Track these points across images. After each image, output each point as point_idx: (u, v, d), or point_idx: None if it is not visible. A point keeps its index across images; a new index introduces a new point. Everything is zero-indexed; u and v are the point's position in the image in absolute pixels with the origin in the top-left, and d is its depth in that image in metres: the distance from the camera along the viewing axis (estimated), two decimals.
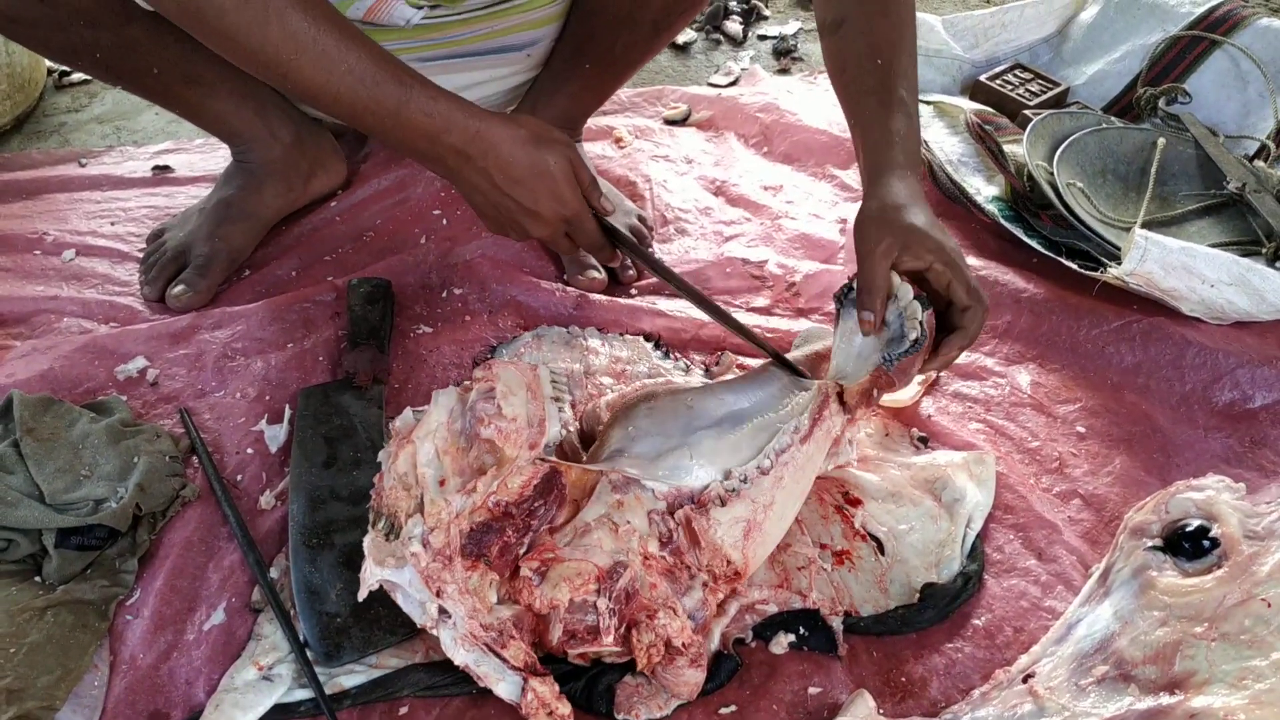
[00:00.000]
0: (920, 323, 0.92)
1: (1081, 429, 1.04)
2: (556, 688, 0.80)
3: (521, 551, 0.82)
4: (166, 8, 0.82)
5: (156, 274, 1.17)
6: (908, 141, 0.98)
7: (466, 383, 0.88)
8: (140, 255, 1.23)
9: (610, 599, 0.80)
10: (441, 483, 0.84)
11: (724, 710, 0.83)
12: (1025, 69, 1.48)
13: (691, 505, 0.86)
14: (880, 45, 0.99)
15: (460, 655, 0.79)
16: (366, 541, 0.81)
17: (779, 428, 0.93)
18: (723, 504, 0.87)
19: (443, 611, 0.79)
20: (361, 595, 0.80)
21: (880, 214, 0.93)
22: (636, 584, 0.81)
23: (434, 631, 0.80)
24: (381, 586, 0.81)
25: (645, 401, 0.94)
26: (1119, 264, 1.11)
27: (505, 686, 0.79)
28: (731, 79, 1.63)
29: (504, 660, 0.79)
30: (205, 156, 1.41)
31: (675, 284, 0.99)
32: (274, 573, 0.91)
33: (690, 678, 0.82)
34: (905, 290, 0.93)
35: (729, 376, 1.03)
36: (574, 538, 0.83)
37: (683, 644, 0.81)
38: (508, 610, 0.80)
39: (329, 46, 0.83)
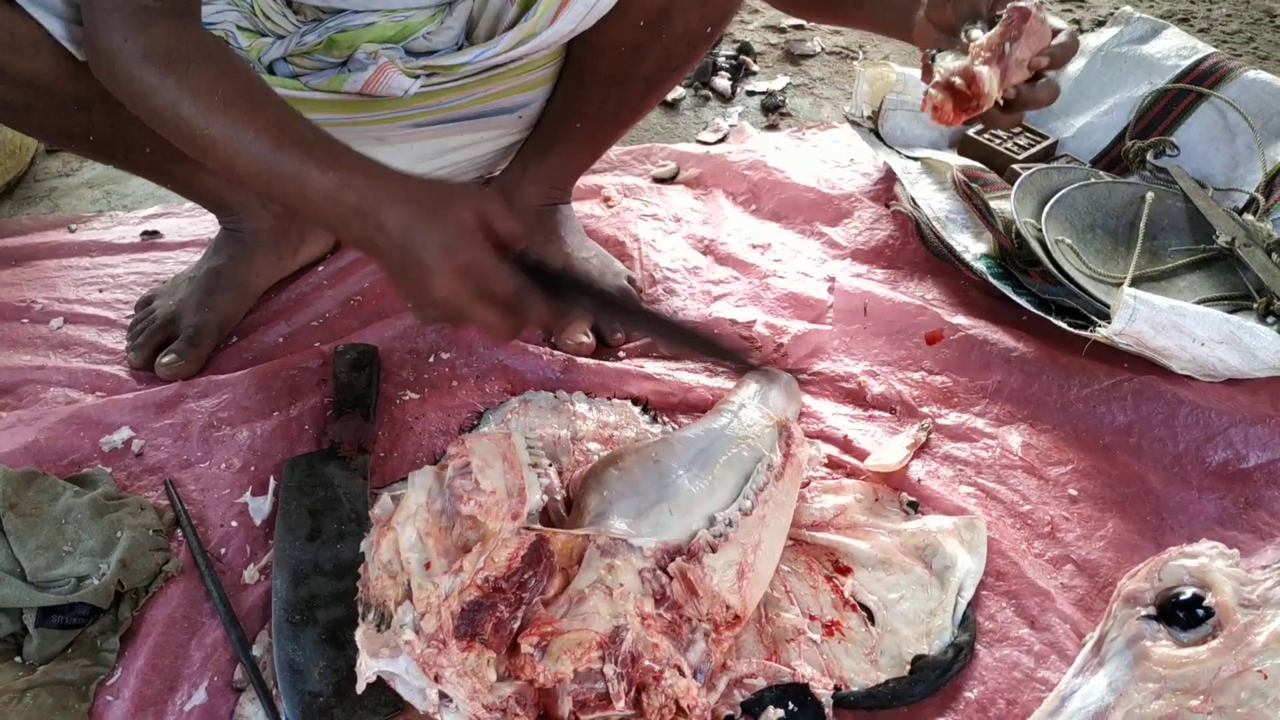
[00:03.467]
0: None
1: (1073, 491, 1.03)
2: None
3: (516, 626, 0.81)
4: (116, 93, 0.89)
5: (144, 341, 1.17)
6: None
7: (442, 461, 0.88)
8: (128, 324, 1.23)
9: (616, 664, 0.79)
10: (427, 566, 0.83)
11: None
12: None
13: (683, 556, 0.86)
14: None
15: None
16: (358, 634, 0.80)
17: (748, 462, 0.96)
18: (713, 550, 0.87)
19: (443, 696, 0.79)
20: (359, 688, 0.80)
21: None
22: (639, 645, 0.80)
23: (438, 718, 0.79)
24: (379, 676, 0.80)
25: (612, 464, 0.95)
26: (1109, 322, 1.11)
27: None
28: (720, 136, 1.63)
29: None
30: (194, 221, 1.42)
31: (641, 323, 1.01)
32: (257, 650, 0.90)
33: None
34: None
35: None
36: (570, 607, 0.83)
37: (689, 706, 0.80)
38: (509, 687, 0.80)
39: (235, 118, 0.84)
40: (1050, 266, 1.20)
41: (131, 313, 1.24)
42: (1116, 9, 1.57)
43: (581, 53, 1.16)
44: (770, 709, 0.85)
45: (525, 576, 0.83)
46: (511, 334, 0.86)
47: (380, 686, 0.82)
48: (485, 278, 0.82)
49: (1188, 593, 0.86)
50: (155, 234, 1.40)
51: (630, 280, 1.26)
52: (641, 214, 1.41)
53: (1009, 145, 1.43)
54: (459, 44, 1.09)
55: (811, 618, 0.93)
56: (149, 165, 1.14)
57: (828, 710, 0.85)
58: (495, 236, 0.84)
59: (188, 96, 0.84)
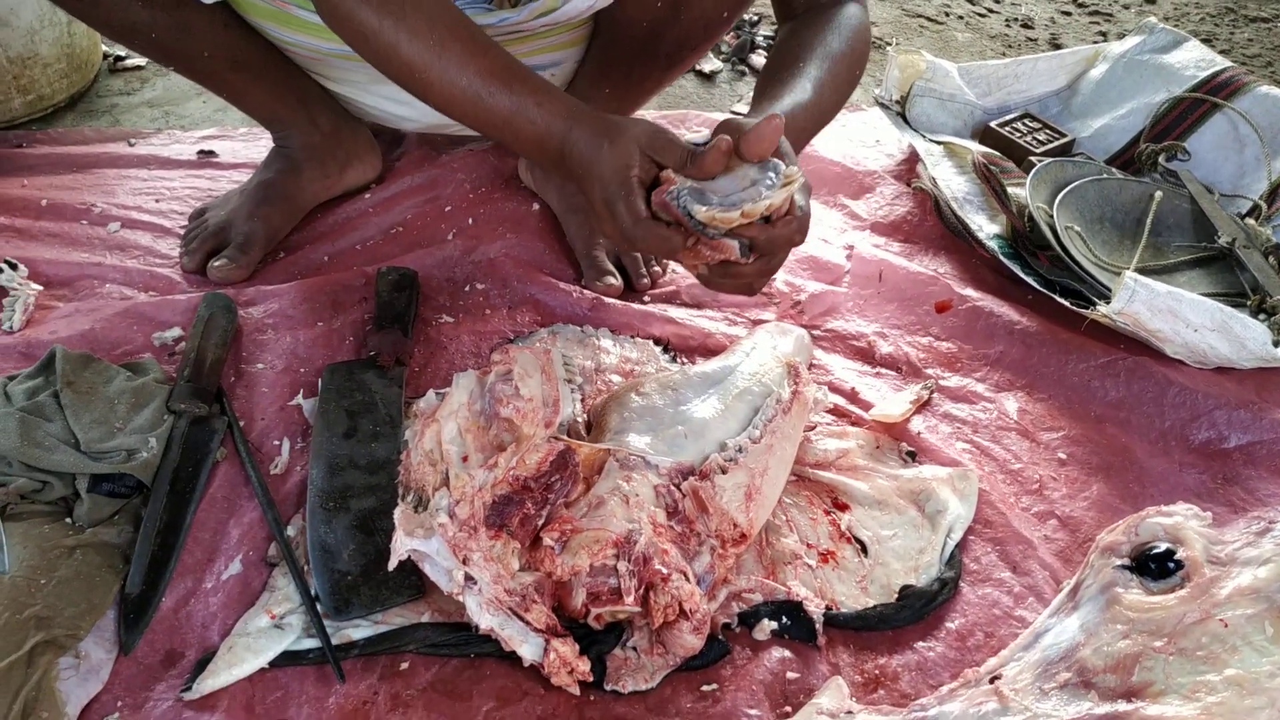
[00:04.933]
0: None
1: (1063, 455, 1.09)
2: (577, 647, 0.85)
3: (540, 523, 0.88)
4: (340, 34, 0.95)
5: (197, 247, 1.24)
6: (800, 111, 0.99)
7: (485, 366, 0.94)
8: (181, 232, 1.29)
9: (630, 562, 0.85)
10: (464, 459, 0.90)
11: (706, 688, 0.88)
12: (1034, 119, 1.54)
13: (696, 476, 0.93)
14: (808, 48, 1.06)
15: (486, 619, 0.84)
16: (396, 514, 0.87)
17: (758, 397, 1.03)
18: (723, 472, 0.94)
19: (468, 578, 0.85)
20: (392, 564, 0.86)
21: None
22: (651, 549, 0.86)
23: (460, 598, 0.85)
24: (410, 556, 0.87)
25: (633, 390, 1.01)
26: (1109, 304, 1.17)
27: (529, 648, 0.85)
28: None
29: (527, 623, 0.85)
30: (248, 144, 1.48)
31: None
32: (291, 531, 0.96)
33: (690, 642, 0.87)
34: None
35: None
36: (589, 510, 0.89)
37: (690, 609, 0.86)
38: (529, 576, 0.86)
39: (451, 62, 0.90)
40: (1059, 250, 1.26)
41: (185, 224, 1.30)
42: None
43: (607, 25, 1.23)
44: (765, 621, 0.92)
45: (552, 479, 0.89)
46: (670, 250, 0.90)
47: (404, 570, 0.88)
48: (623, 217, 0.88)
49: (1161, 547, 0.92)
50: (211, 154, 1.46)
51: None
52: None
53: (1029, 139, 1.49)
54: (488, 5, 1.15)
55: (809, 545, 0.99)
56: (205, 71, 1.20)
57: (818, 626, 0.91)
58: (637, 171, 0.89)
59: (405, 39, 0.90)
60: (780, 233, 0.87)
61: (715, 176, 0.86)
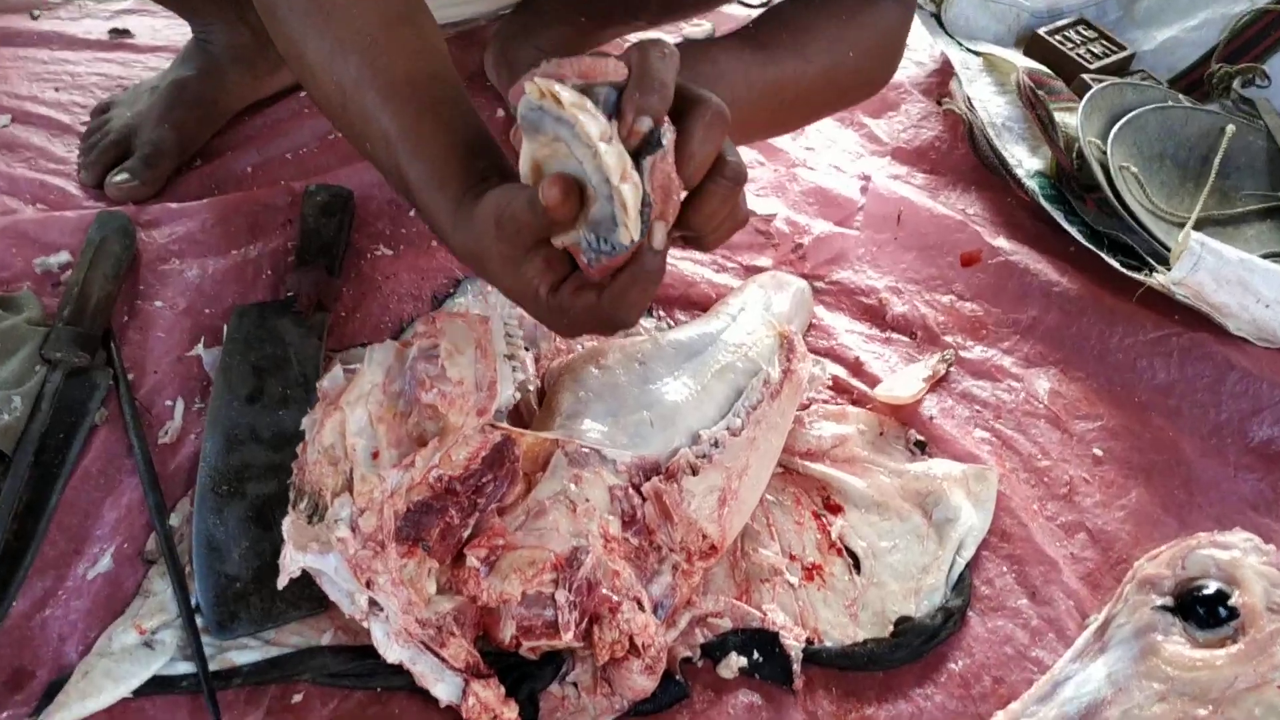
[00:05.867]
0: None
1: (1098, 451, 0.93)
2: (502, 691, 0.72)
3: (466, 534, 0.72)
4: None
5: (97, 157, 1.05)
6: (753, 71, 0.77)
7: (406, 336, 0.77)
8: (83, 129, 1.10)
9: (570, 590, 0.71)
10: (375, 455, 0.74)
11: None
12: (1090, 26, 1.33)
13: (660, 476, 0.77)
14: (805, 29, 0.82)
15: (394, 653, 0.70)
16: (286, 524, 0.71)
17: (742, 375, 0.86)
18: (694, 473, 0.78)
19: (374, 603, 0.70)
20: (281, 582, 0.71)
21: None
22: (598, 572, 0.71)
23: (364, 624, 0.71)
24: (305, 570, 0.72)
25: (593, 361, 0.85)
26: (1166, 267, 0.99)
27: (444, 688, 0.71)
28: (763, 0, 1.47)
29: (443, 659, 0.71)
30: (170, 24, 1.27)
31: None
32: (175, 520, 0.81)
33: (640, 684, 0.73)
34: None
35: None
36: (527, 519, 0.74)
37: (643, 644, 0.72)
38: (448, 603, 0.71)
39: (367, 107, 0.69)
40: (1110, 195, 1.08)
41: (88, 119, 1.11)
42: None
43: None
44: (733, 655, 0.77)
45: (483, 480, 0.73)
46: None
47: (305, 579, 0.73)
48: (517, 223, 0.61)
49: (1211, 587, 0.77)
50: (125, 32, 1.25)
51: None
52: None
53: (1081, 52, 1.28)
54: None
55: (792, 557, 0.84)
56: None
57: (795, 665, 0.77)
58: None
59: (338, 62, 0.69)
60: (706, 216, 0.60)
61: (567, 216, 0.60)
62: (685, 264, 1.04)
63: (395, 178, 0.70)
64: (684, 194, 0.60)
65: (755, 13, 1.39)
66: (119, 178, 1.03)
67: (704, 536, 0.77)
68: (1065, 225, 1.07)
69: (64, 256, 0.97)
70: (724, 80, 0.76)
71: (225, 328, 0.91)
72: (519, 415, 0.85)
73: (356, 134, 0.72)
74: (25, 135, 1.10)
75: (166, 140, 1.05)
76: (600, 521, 0.75)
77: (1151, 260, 1.03)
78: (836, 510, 0.87)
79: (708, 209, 0.60)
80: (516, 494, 0.76)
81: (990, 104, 1.18)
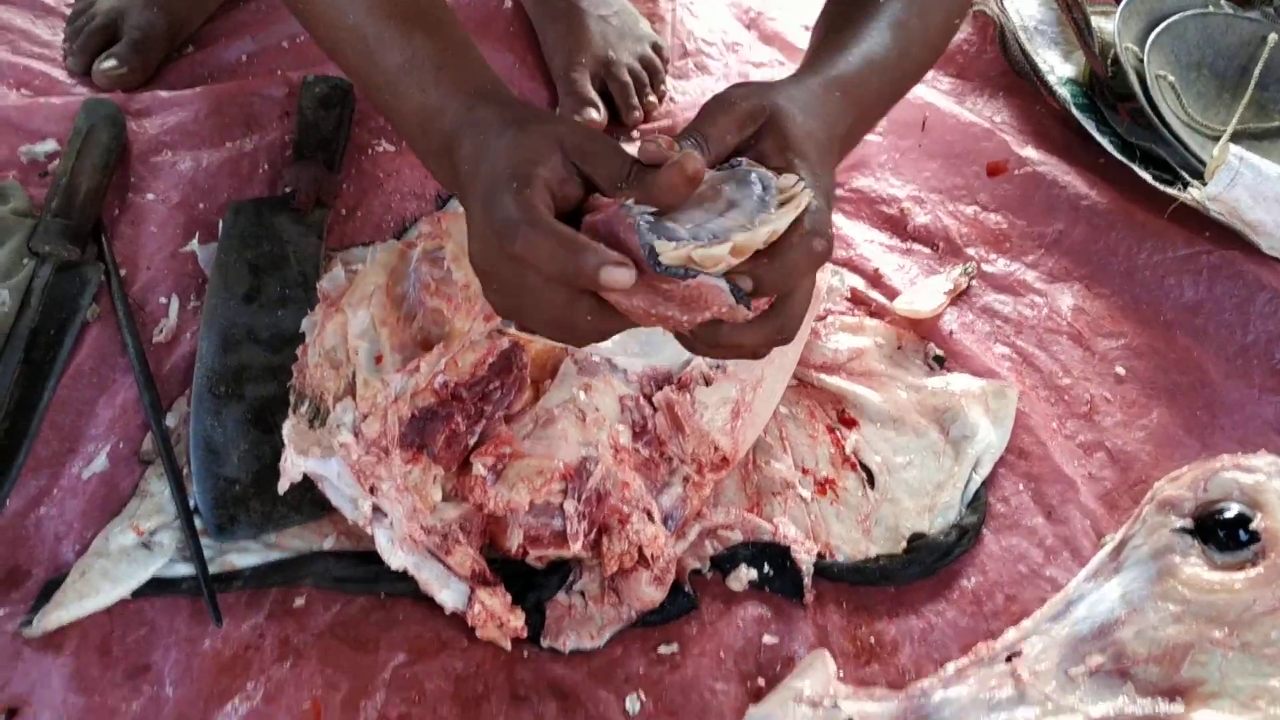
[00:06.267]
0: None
1: (1121, 370, 0.91)
2: (509, 598, 0.70)
3: (472, 441, 0.71)
4: None
5: (83, 42, 1.00)
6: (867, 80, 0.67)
7: (410, 237, 0.74)
8: (68, 11, 1.05)
9: (579, 501, 0.69)
10: (378, 360, 0.72)
11: (664, 649, 0.72)
12: None
13: (672, 386, 0.75)
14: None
15: (398, 559, 0.69)
16: (287, 428, 0.69)
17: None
18: (707, 384, 0.76)
19: (378, 509, 0.68)
20: (283, 487, 0.69)
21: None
22: (608, 482, 0.70)
23: (368, 530, 0.69)
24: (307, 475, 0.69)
25: None
26: (1201, 182, 0.95)
27: (449, 595, 0.70)
28: None
29: (448, 567, 0.69)
30: None
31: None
32: (171, 420, 0.79)
33: (649, 594, 0.72)
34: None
35: None
36: (535, 428, 0.73)
37: (652, 555, 0.70)
38: (454, 509, 0.70)
39: None
40: (1145, 105, 1.03)
41: (73, 1, 1.06)
42: None
43: None
44: (743, 567, 0.76)
45: (490, 387, 0.71)
46: (564, 335, 0.58)
47: (306, 483, 0.71)
48: (528, 248, 0.52)
49: (1233, 510, 0.74)
50: None
51: (656, 47, 1.08)
52: None
53: None
54: None
55: (805, 471, 0.82)
56: None
57: (806, 579, 0.75)
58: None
59: None
60: (795, 257, 0.53)
61: (675, 205, 0.54)
62: None
63: (367, 70, 0.64)
64: None
65: None
66: (106, 64, 0.98)
67: (716, 448, 0.75)
68: (1097, 136, 1.03)
69: (50, 145, 0.93)
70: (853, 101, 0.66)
71: (220, 223, 0.88)
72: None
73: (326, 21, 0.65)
74: (7, 17, 1.05)
75: (156, 25, 1.00)
76: (610, 431, 0.73)
77: (1185, 174, 0.99)
78: (851, 424, 0.85)
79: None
80: (524, 402, 0.74)
81: (1023, 4, 1.13)
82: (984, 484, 0.82)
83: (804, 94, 0.61)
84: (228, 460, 0.76)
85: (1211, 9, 1.14)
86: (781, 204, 0.54)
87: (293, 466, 0.69)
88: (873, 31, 0.67)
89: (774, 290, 0.54)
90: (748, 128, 0.58)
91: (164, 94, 0.97)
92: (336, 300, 0.72)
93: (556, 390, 0.74)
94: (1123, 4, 1.08)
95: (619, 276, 0.50)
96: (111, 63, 0.98)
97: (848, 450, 0.83)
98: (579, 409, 0.73)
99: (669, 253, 0.51)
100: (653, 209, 0.54)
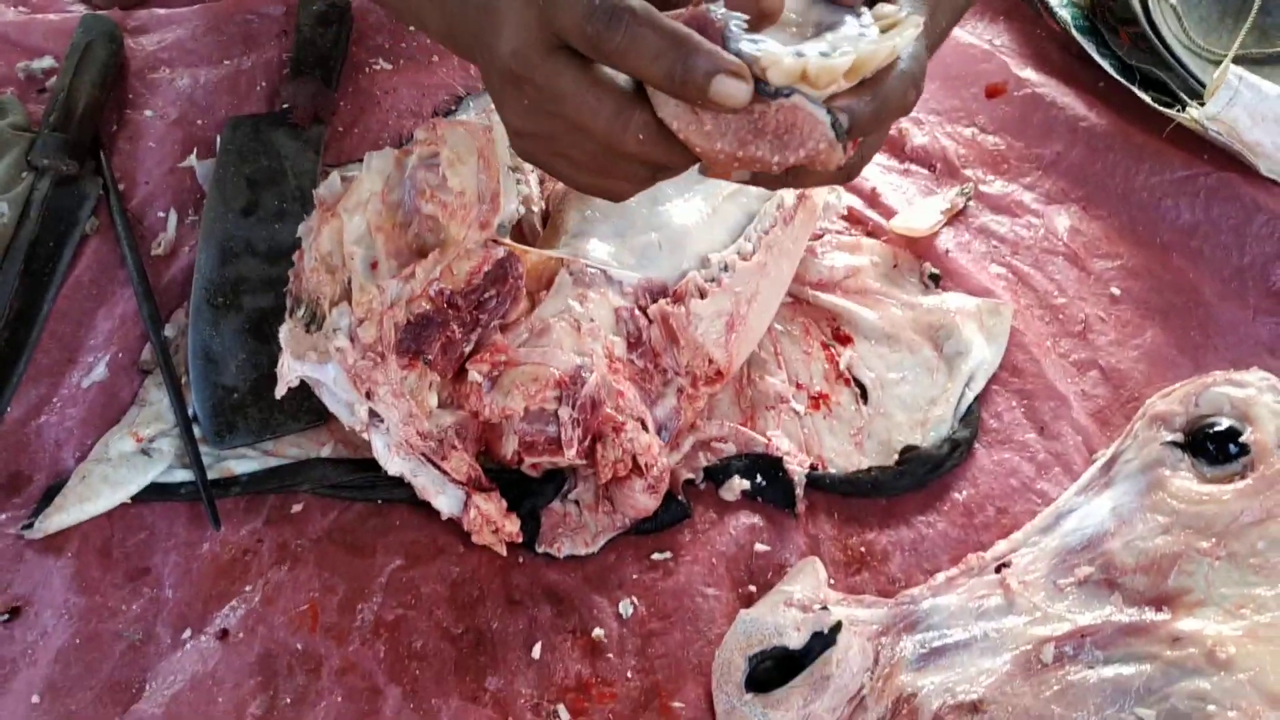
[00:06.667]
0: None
1: (1116, 290, 0.91)
2: (504, 504, 0.71)
3: (467, 349, 0.71)
4: None
5: None
6: None
7: (407, 145, 0.74)
8: None
9: (573, 408, 0.69)
10: (373, 266, 0.72)
11: (656, 556, 0.73)
12: None
13: (667, 299, 0.75)
14: None
15: (395, 464, 0.70)
16: (283, 331, 0.70)
17: (755, 199, 0.82)
18: (702, 296, 0.76)
19: (374, 414, 0.69)
20: (279, 391, 0.70)
21: None
22: (602, 391, 0.70)
23: (364, 435, 0.70)
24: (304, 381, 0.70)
25: None
26: (1200, 103, 0.95)
27: (445, 500, 0.71)
28: None
29: (444, 473, 0.70)
30: None
31: None
32: (170, 331, 0.79)
33: (642, 502, 0.73)
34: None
35: None
36: (530, 337, 0.72)
37: (646, 464, 0.71)
38: (450, 416, 0.70)
39: None
40: (1146, 28, 1.02)
41: None
42: None
43: None
44: (736, 478, 0.77)
45: (485, 295, 0.71)
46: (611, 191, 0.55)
47: (304, 391, 0.72)
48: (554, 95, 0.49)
49: (1224, 424, 0.75)
50: None
51: None
52: None
53: None
54: None
55: (798, 386, 0.82)
56: None
57: (799, 489, 0.76)
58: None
59: None
60: (894, 95, 0.49)
61: (772, 17, 0.50)
62: None
63: None
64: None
65: None
66: None
67: (710, 361, 0.76)
68: (1097, 58, 1.02)
69: (48, 61, 0.92)
70: None
71: (218, 139, 0.88)
72: (521, 235, 0.82)
73: None
74: None
75: None
76: (605, 342, 0.73)
77: (1185, 96, 0.99)
78: (846, 341, 0.85)
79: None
80: (520, 311, 0.74)
81: None
82: (977, 399, 0.82)
83: None
84: (225, 369, 0.76)
85: None
86: (884, 31, 0.49)
87: (289, 371, 0.69)
88: None
89: (867, 131, 0.48)
90: None
91: (161, 11, 0.97)
92: (333, 206, 0.72)
93: (552, 300, 0.74)
94: None
95: (733, 89, 0.45)
96: None
97: (842, 366, 0.83)
98: (574, 319, 0.73)
99: (780, 63, 0.45)
100: (743, 16, 0.48)
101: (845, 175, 0.53)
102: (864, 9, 0.51)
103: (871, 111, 0.48)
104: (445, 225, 0.72)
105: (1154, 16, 1.03)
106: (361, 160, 0.88)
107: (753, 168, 0.49)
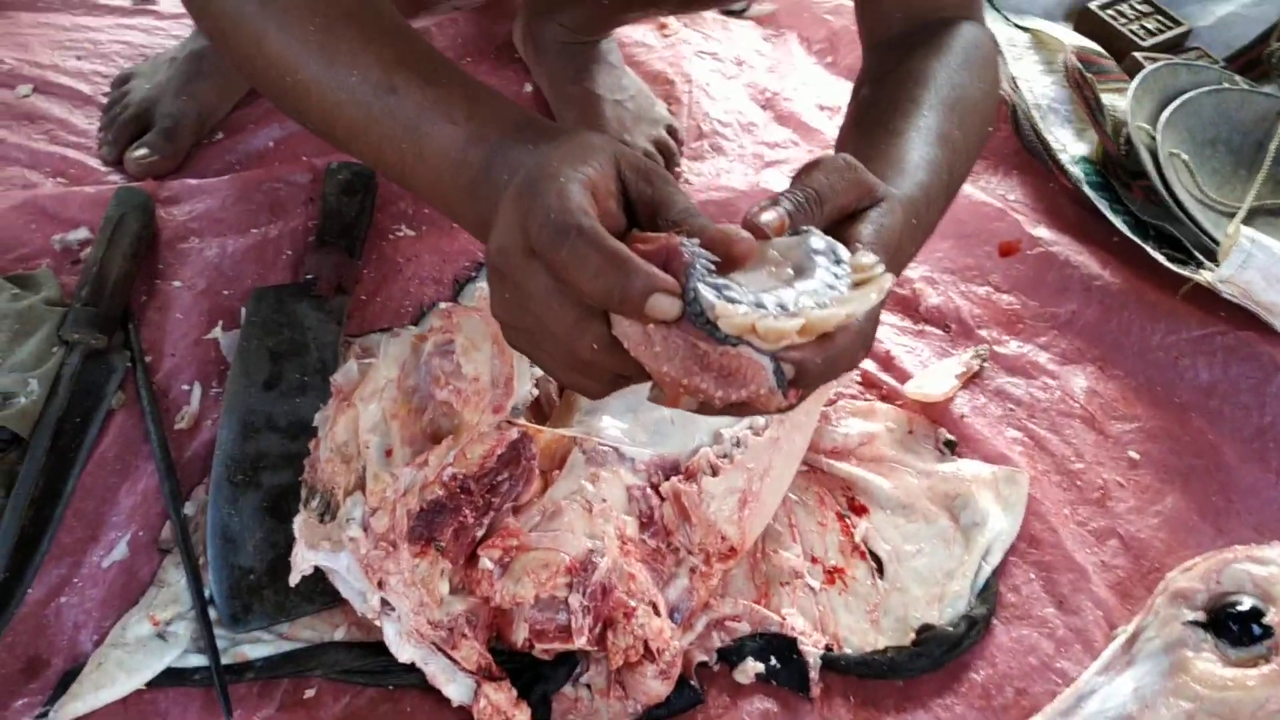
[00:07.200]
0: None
1: (1135, 454, 0.90)
2: (514, 693, 0.71)
3: (480, 534, 0.71)
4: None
5: (118, 132, 1.03)
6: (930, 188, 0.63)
7: (423, 329, 0.76)
8: (104, 100, 1.09)
9: (584, 595, 0.69)
10: (388, 453, 0.73)
11: None
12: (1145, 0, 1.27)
13: (679, 476, 0.76)
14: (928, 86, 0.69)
15: (406, 652, 0.70)
16: (297, 522, 0.71)
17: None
18: (714, 473, 0.76)
19: (386, 602, 0.70)
20: (293, 580, 0.71)
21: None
22: (614, 576, 0.70)
23: (376, 623, 0.71)
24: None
25: None
26: (1214, 263, 0.95)
27: (455, 689, 0.71)
28: None
29: (455, 661, 0.70)
30: None
31: None
32: (190, 508, 0.80)
33: (654, 688, 0.72)
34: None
35: None
36: (542, 520, 0.73)
37: (658, 649, 0.71)
38: (461, 603, 0.71)
39: (340, 54, 0.59)
40: (1158, 184, 1.03)
41: (109, 90, 1.09)
42: None
43: None
44: (750, 660, 0.76)
45: (499, 479, 0.72)
46: (574, 382, 0.56)
47: (319, 573, 0.73)
48: (529, 294, 0.51)
49: (1246, 603, 0.74)
50: None
51: (671, 130, 1.10)
52: (700, 49, 1.23)
53: (1134, 28, 1.23)
54: None
55: (814, 560, 0.82)
56: None
57: (813, 673, 0.75)
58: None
59: (275, 25, 0.60)
60: (840, 351, 0.49)
61: (743, 265, 0.50)
62: None
63: (378, 119, 0.59)
64: None
65: None
66: (138, 152, 1.01)
67: (723, 539, 0.76)
68: (1109, 215, 1.03)
69: (83, 233, 0.95)
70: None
71: (243, 310, 0.90)
72: (538, 408, 0.83)
73: (326, 90, 0.60)
74: (46, 106, 1.08)
75: (186, 113, 1.03)
76: (617, 522, 0.74)
77: (1199, 254, 0.99)
78: (861, 511, 0.85)
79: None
80: (533, 492, 0.75)
81: (1035, 84, 1.14)
82: (994, 573, 0.81)
83: (898, 206, 0.59)
84: (243, 549, 0.77)
85: (1226, 85, 1.14)
86: (856, 285, 0.50)
87: (303, 560, 0.70)
88: (923, 147, 0.64)
89: (812, 385, 0.49)
90: (863, 201, 0.55)
91: (192, 181, 1.00)
92: (349, 394, 0.73)
93: (564, 481, 0.75)
94: (1135, 81, 1.09)
95: (665, 305, 0.47)
96: (143, 151, 1.01)
97: (857, 538, 0.83)
98: (586, 500, 0.73)
99: (731, 317, 0.46)
100: (713, 257, 0.49)
101: (789, 407, 0.53)
102: (846, 253, 0.51)
103: (819, 369, 0.49)
104: (459, 411, 0.73)
105: (1165, 171, 1.04)
106: (383, 330, 0.91)
107: (697, 397, 0.50)
